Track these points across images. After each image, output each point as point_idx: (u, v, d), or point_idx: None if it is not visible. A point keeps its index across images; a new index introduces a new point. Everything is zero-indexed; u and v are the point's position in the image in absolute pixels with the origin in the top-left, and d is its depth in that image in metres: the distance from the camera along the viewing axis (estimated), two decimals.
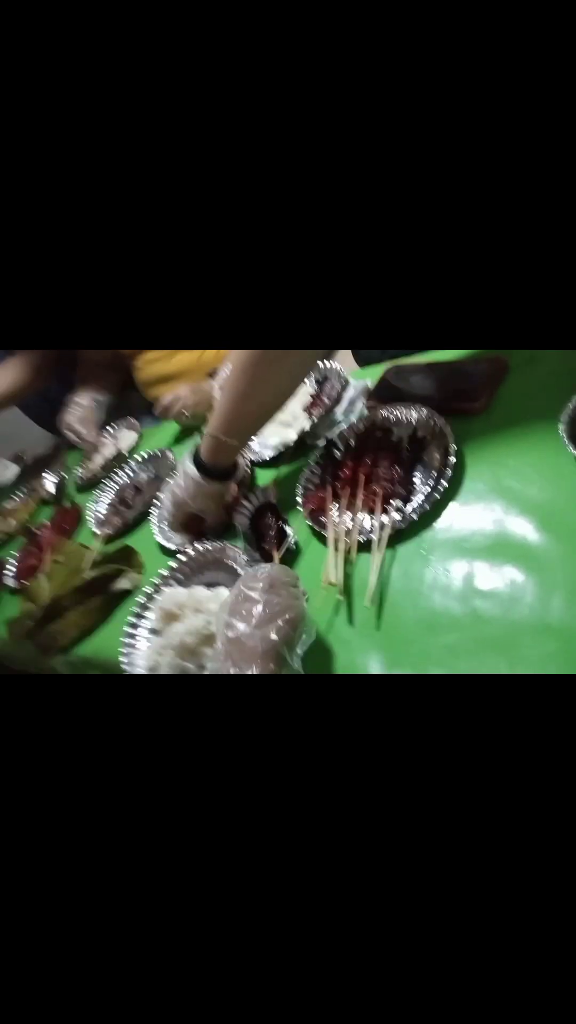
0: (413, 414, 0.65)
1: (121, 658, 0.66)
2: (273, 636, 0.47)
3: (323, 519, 0.63)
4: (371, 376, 0.76)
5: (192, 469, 0.69)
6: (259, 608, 0.48)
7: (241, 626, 0.48)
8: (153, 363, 1.18)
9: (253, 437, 0.77)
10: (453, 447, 0.57)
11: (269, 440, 0.81)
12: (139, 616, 0.69)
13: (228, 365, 0.90)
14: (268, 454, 0.80)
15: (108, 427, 1.18)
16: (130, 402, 1.26)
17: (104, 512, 0.96)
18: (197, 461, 0.68)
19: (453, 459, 0.56)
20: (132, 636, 0.68)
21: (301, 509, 0.66)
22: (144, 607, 0.70)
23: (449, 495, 0.55)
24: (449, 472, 0.56)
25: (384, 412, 0.68)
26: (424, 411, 0.64)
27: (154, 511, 0.83)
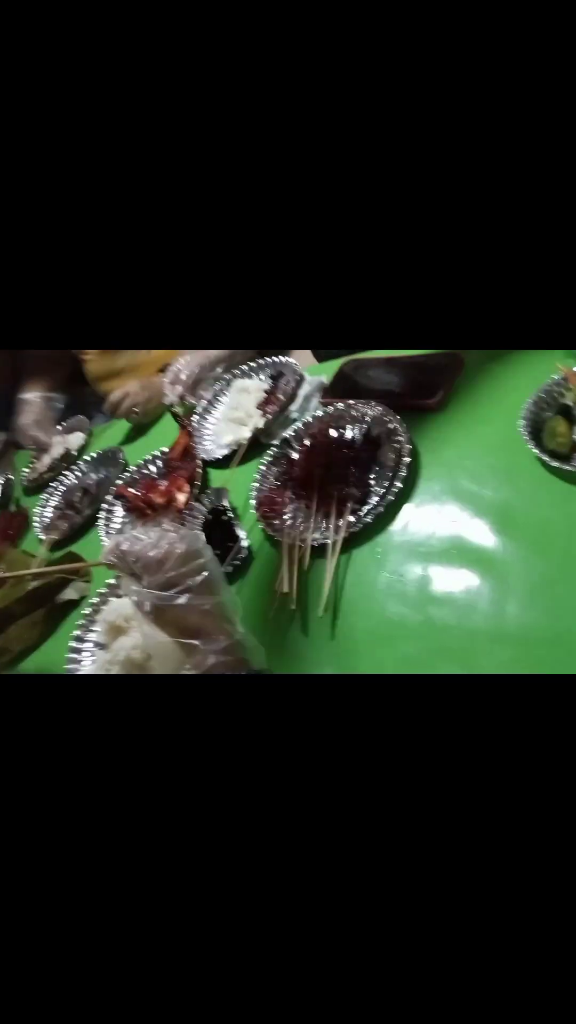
0: (368, 412, 0.63)
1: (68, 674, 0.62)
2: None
3: (276, 522, 0.60)
4: (328, 372, 0.74)
5: None
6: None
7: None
8: (102, 357, 1.12)
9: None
10: (408, 447, 0.56)
11: (222, 439, 0.78)
12: (85, 629, 0.65)
13: (181, 360, 0.86)
14: (221, 453, 0.76)
15: (58, 426, 1.13)
16: (81, 398, 1.20)
17: (50, 516, 0.91)
18: None
19: (408, 459, 0.54)
20: (77, 651, 0.64)
21: (255, 511, 0.63)
22: (91, 619, 0.66)
23: (404, 496, 0.53)
24: (404, 472, 0.54)
25: (339, 409, 0.66)
26: (379, 408, 0.62)
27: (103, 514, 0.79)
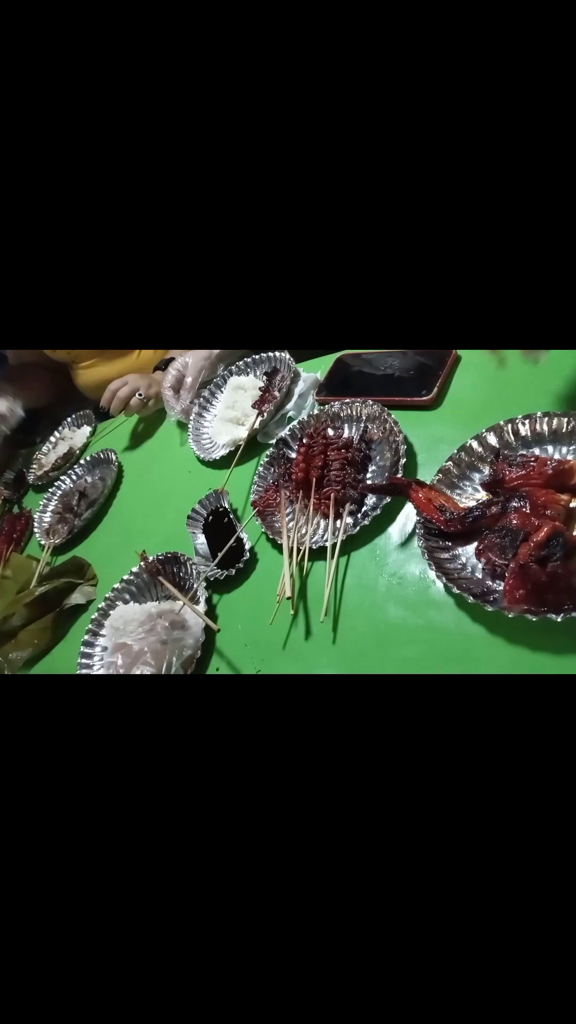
0: (364, 410, 0.63)
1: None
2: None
3: (276, 524, 0.61)
4: (323, 367, 0.73)
5: None
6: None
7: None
8: (91, 368, 1.11)
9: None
10: (403, 447, 0.56)
11: (219, 439, 0.78)
12: (94, 634, 0.67)
13: (179, 362, 0.85)
14: (219, 453, 0.76)
15: (66, 419, 1.12)
16: (77, 408, 1.18)
17: (48, 520, 0.92)
18: None
19: (403, 459, 0.55)
20: (89, 656, 0.65)
21: (254, 513, 0.63)
22: (99, 624, 0.67)
23: (402, 498, 0.54)
24: (400, 473, 0.54)
25: (335, 408, 0.66)
26: (375, 407, 0.62)
27: None
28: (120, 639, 0.51)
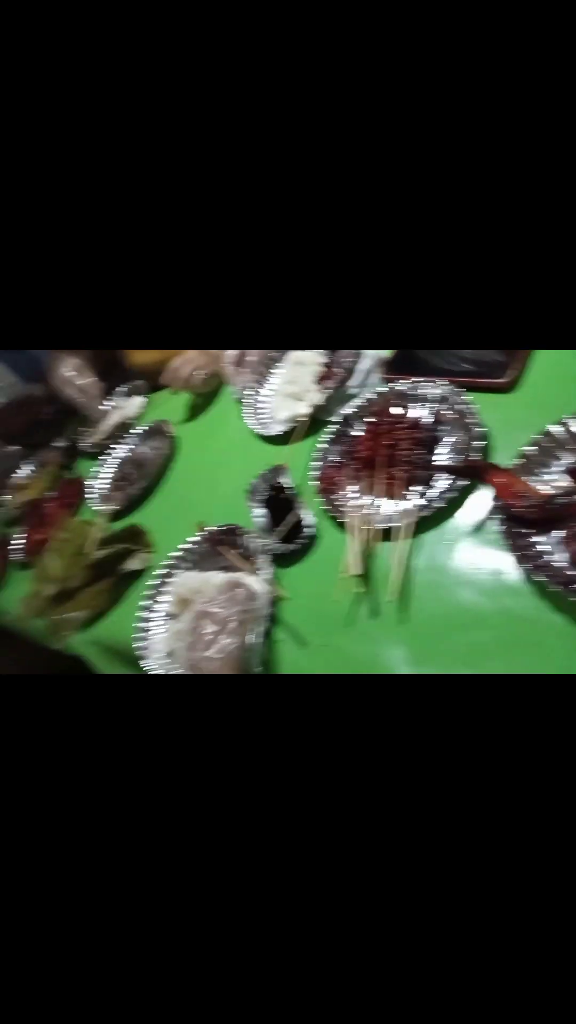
0: (435, 390, 0.62)
1: (137, 643, 0.65)
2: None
3: (339, 502, 0.60)
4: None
5: None
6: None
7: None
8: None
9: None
10: (479, 429, 0.55)
11: (279, 414, 0.78)
12: (152, 599, 0.68)
13: None
14: (278, 429, 0.76)
15: (118, 389, 1.12)
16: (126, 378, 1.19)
17: (104, 487, 0.94)
18: None
19: (481, 442, 0.54)
20: (147, 620, 0.67)
21: (316, 491, 0.63)
22: (157, 590, 0.69)
23: (475, 481, 0.53)
24: (477, 455, 0.53)
25: (402, 387, 0.64)
26: (447, 387, 0.60)
27: None
28: (202, 607, 0.52)
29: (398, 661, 0.48)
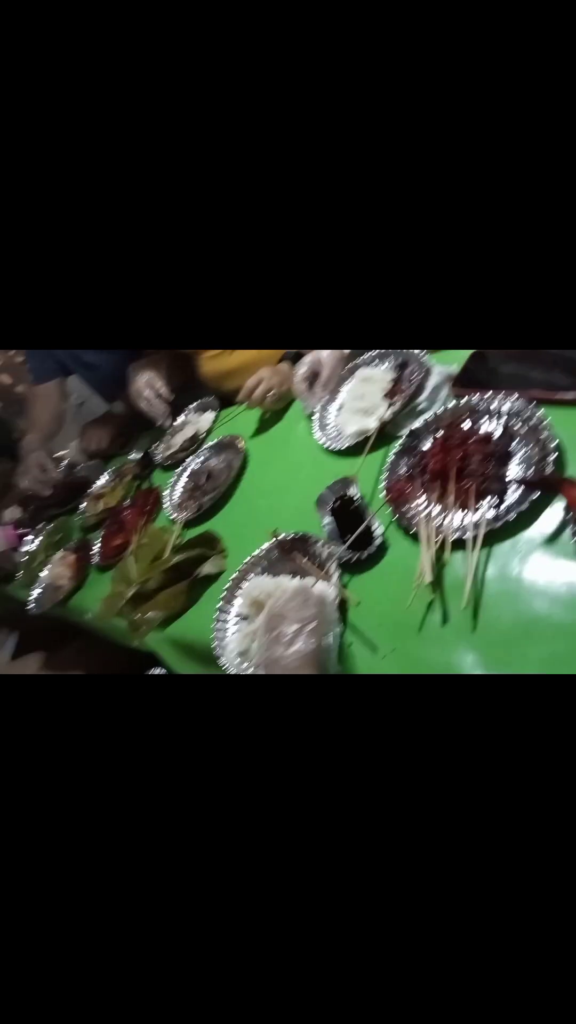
0: (506, 404, 0.63)
1: (214, 642, 0.70)
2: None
3: (410, 514, 0.63)
4: (457, 361, 0.73)
5: None
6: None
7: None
8: (213, 359, 1.18)
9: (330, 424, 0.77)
10: (553, 443, 0.55)
11: (346, 428, 0.81)
12: (227, 601, 0.73)
13: (310, 357, 0.89)
14: (347, 443, 0.79)
15: (191, 405, 1.20)
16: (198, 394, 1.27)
17: (179, 496, 1.00)
18: None
19: (554, 455, 0.54)
20: (223, 620, 0.71)
21: (385, 502, 0.66)
22: (232, 592, 0.73)
23: (548, 495, 0.53)
24: (549, 469, 0.54)
25: (473, 401, 0.66)
26: (519, 401, 0.61)
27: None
28: (277, 610, 0.56)
29: (470, 668, 0.49)
